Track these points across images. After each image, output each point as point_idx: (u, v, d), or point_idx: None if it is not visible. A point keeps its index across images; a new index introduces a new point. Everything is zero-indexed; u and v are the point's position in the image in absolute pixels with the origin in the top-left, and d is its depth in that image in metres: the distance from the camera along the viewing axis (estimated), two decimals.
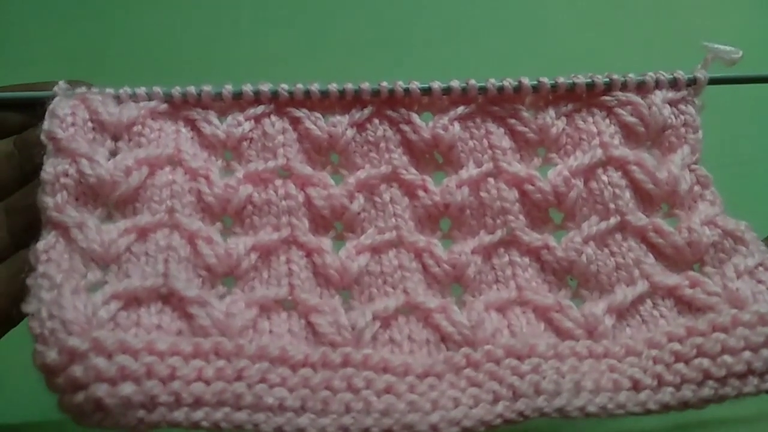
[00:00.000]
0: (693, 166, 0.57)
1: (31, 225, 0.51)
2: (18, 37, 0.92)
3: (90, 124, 0.53)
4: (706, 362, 0.47)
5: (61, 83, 0.55)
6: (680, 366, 0.47)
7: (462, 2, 0.98)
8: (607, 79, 0.58)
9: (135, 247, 0.50)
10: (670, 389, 0.47)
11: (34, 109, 0.54)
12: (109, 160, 0.52)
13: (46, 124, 0.52)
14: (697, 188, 0.56)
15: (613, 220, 0.54)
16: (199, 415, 0.43)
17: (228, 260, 0.51)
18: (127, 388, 0.43)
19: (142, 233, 0.50)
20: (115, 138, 0.54)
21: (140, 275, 0.48)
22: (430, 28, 0.96)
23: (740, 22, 0.96)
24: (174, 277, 0.48)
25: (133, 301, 0.48)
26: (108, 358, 0.43)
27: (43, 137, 0.51)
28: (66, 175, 0.50)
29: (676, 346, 0.48)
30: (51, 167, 0.50)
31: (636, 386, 0.47)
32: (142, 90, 0.56)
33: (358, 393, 0.46)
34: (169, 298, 0.48)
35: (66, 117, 0.52)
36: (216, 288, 0.51)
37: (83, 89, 0.55)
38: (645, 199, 0.56)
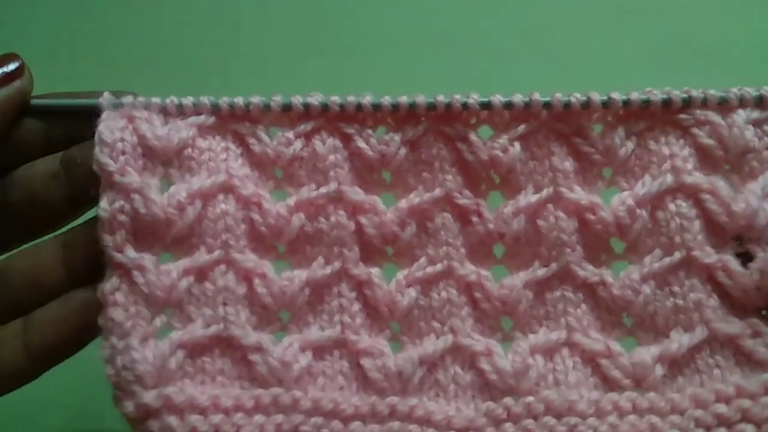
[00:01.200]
0: None
1: (91, 259, 0.51)
2: (18, 37, 0.90)
3: (139, 149, 0.52)
4: (749, 429, 0.47)
5: (106, 94, 0.54)
6: (721, 431, 0.48)
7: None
8: (686, 96, 0.52)
9: (194, 289, 0.51)
10: None
11: (79, 117, 0.53)
12: (161, 190, 0.52)
13: (96, 153, 0.51)
14: None
15: (678, 255, 0.51)
16: None
17: (282, 298, 0.52)
18: None
19: (200, 273, 0.51)
20: (165, 164, 0.53)
21: (202, 320, 0.51)
22: (436, 33, 0.92)
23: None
24: (233, 323, 0.50)
25: (197, 347, 0.50)
26: (180, 416, 0.47)
27: (95, 167, 0.51)
28: (122, 212, 0.50)
29: (722, 408, 0.48)
30: (107, 204, 0.50)
31: None
32: (188, 101, 0.54)
33: None
34: (229, 341, 0.51)
35: (116, 144, 0.51)
36: (272, 324, 0.52)
37: (129, 99, 0.54)
38: (716, 232, 0.52)
